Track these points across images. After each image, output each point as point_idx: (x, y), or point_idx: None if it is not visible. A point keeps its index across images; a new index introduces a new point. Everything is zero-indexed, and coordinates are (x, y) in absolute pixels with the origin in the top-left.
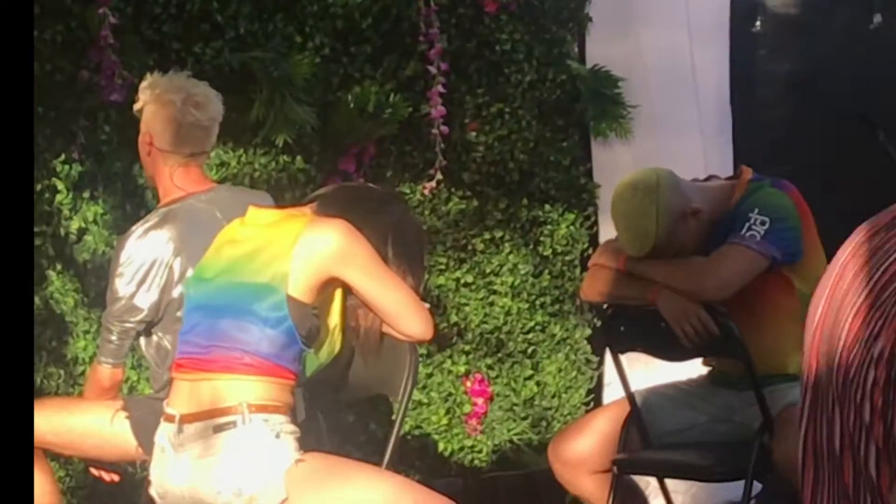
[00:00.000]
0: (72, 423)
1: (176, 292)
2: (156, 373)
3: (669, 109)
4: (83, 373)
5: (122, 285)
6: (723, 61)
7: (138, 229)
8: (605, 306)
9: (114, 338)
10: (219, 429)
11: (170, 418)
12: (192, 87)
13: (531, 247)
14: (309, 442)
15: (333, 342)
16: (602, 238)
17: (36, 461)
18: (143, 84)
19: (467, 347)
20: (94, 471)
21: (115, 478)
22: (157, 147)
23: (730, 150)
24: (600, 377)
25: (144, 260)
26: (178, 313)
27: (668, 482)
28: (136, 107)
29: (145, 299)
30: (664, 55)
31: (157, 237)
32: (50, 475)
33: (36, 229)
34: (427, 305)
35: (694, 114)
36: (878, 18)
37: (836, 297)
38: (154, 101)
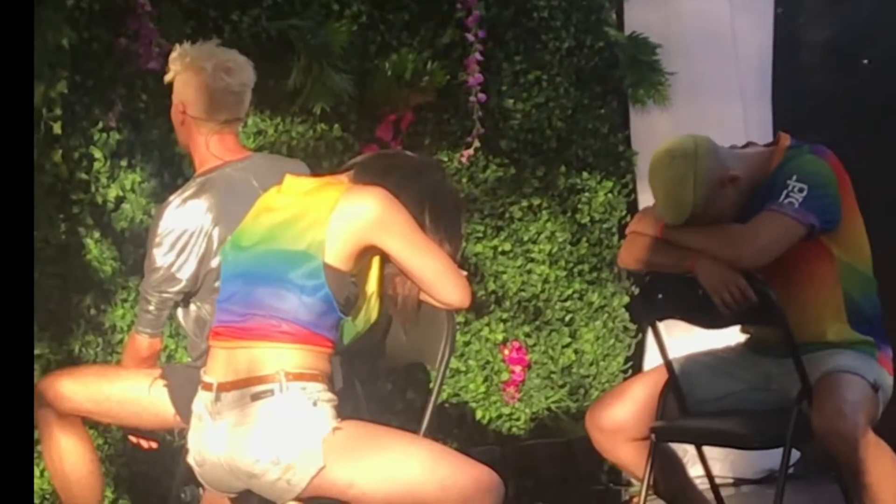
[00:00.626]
0: (110, 392)
1: (214, 262)
2: (194, 342)
3: (708, 76)
4: (121, 341)
5: (161, 255)
6: (765, 26)
7: (176, 199)
8: (643, 274)
9: (152, 308)
10: (256, 397)
11: (207, 386)
12: (222, 53)
13: (569, 214)
14: (346, 410)
15: (371, 310)
16: (640, 206)
17: (75, 429)
18: (174, 54)
19: (505, 315)
20: (132, 439)
21: (154, 445)
22: (191, 115)
23: (769, 117)
24: (638, 345)
25: (183, 229)
26: (216, 283)
27: (706, 450)
28: (168, 77)
29: (184, 270)
30: (703, 20)
31: (194, 206)
32: (89, 443)
33: (73, 197)
34: (464, 273)
35: (734, 80)
36: None
37: None
38: (185, 69)
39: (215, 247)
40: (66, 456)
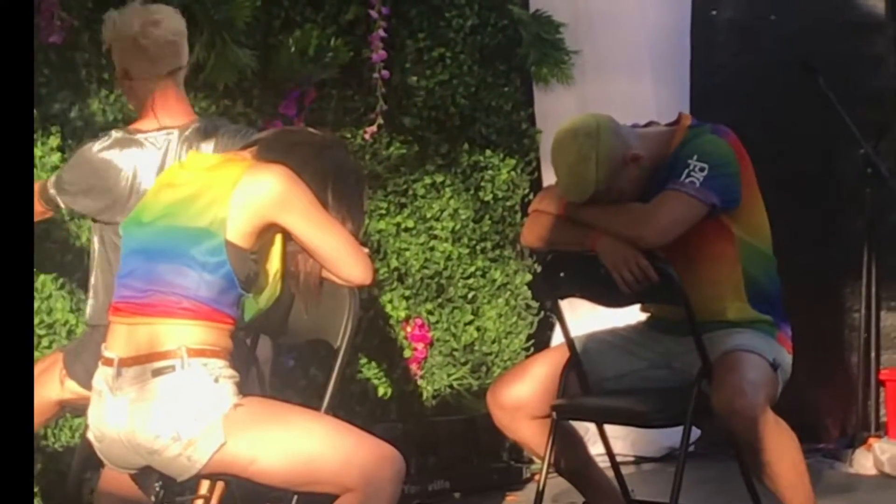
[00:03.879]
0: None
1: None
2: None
3: (615, 54)
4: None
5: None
6: (681, 4)
7: (93, 146)
8: (545, 252)
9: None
10: (157, 373)
11: (108, 362)
12: (145, 11)
13: (472, 192)
14: (248, 387)
15: (273, 287)
16: (543, 184)
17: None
18: (104, 25)
19: (407, 292)
20: None
21: None
22: (134, 78)
23: (686, 95)
24: (541, 323)
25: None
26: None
27: (607, 428)
28: (105, 48)
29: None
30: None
31: (107, 157)
32: None
33: None
34: (366, 250)
35: (644, 58)
36: None
37: None
38: (116, 36)
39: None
40: None
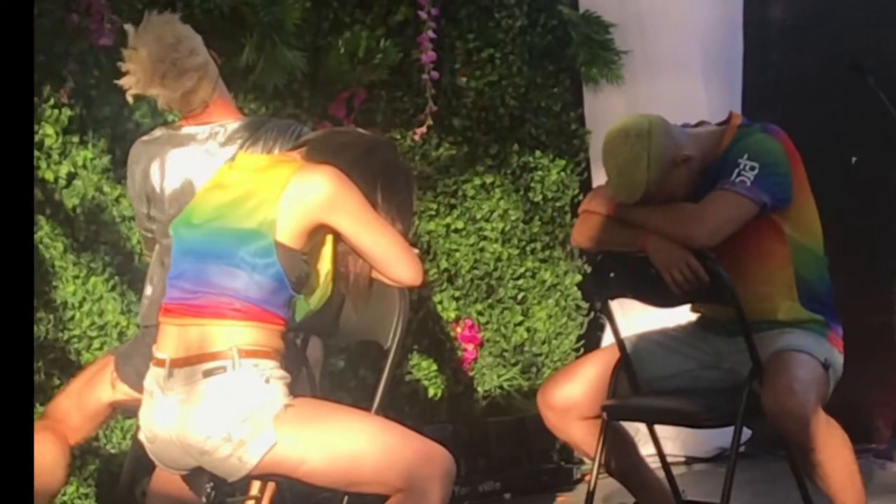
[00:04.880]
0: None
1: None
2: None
3: (666, 54)
4: (72, 318)
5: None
6: (733, 2)
7: (141, 140)
8: (595, 252)
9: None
10: (208, 373)
11: (160, 363)
12: (160, 63)
13: (521, 193)
14: (299, 388)
15: (324, 288)
16: (593, 184)
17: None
18: (122, 81)
19: (457, 293)
20: None
21: None
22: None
23: (738, 94)
24: (591, 323)
25: (132, 172)
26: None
27: (658, 428)
28: (131, 99)
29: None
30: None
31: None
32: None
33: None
34: (416, 251)
35: (694, 58)
36: None
37: None
38: (141, 90)
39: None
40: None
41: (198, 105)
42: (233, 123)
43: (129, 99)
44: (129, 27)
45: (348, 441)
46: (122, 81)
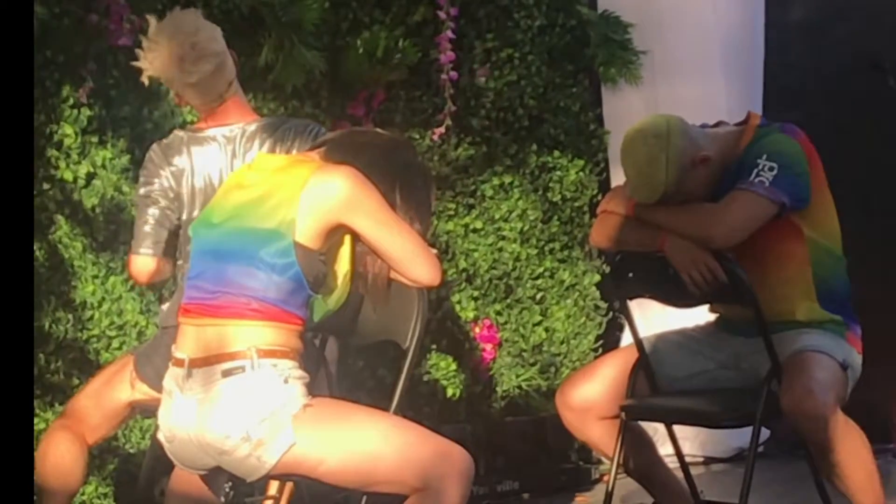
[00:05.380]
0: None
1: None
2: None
3: (685, 54)
4: (92, 317)
5: (143, 177)
6: (754, 3)
7: (157, 143)
8: (614, 252)
9: (149, 218)
10: (227, 373)
11: (179, 362)
12: (178, 47)
13: (540, 193)
14: (318, 388)
15: (343, 288)
16: (612, 184)
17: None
18: (138, 64)
19: (476, 293)
20: None
21: None
22: (188, 101)
23: (759, 94)
24: (609, 323)
25: (161, 169)
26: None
27: (676, 428)
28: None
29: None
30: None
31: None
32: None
33: (44, 173)
34: (434, 251)
35: (714, 58)
36: None
37: None
38: (157, 74)
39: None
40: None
41: (213, 97)
42: (251, 124)
43: (145, 80)
44: (151, 18)
45: (367, 441)
46: (139, 63)
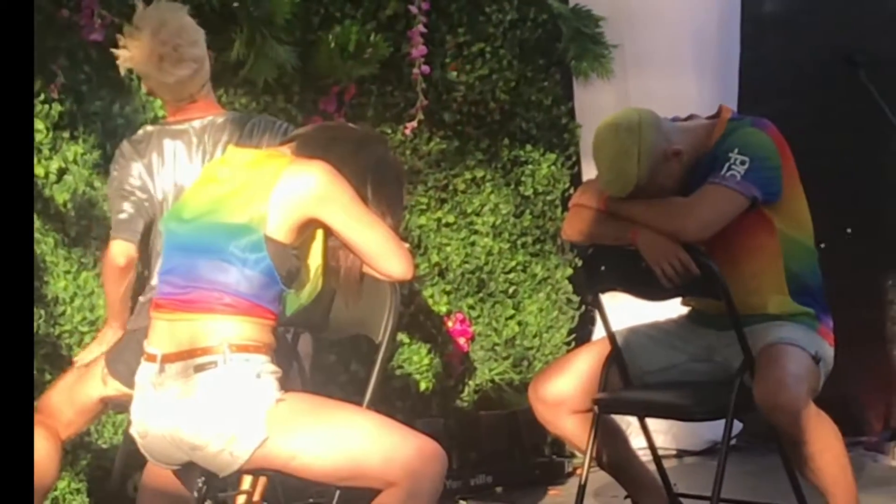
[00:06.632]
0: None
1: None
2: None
3: (656, 48)
4: (64, 313)
5: (116, 171)
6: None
7: (131, 138)
8: (586, 246)
9: (126, 206)
10: (200, 368)
11: (151, 358)
12: (160, 45)
13: (512, 187)
14: (290, 382)
15: (314, 283)
16: (583, 178)
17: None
18: (117, 52)
19: (448, 287)
20: None
21: None
22: (160, 97)
23: (733, 89)
24: (582, 317)
25: (131, 166)
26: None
27: (649, 421)
28: (123, 72)
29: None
30: None
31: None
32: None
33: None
34: (407, 245)
35: (685, 52)
36: None
37: None
38: (135, 66)
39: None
40: None
41: (184, 97)
42: (220, 118)
43: (122, 70)
44: (139, 3)
45: (346, 437)
46: (119, 53)
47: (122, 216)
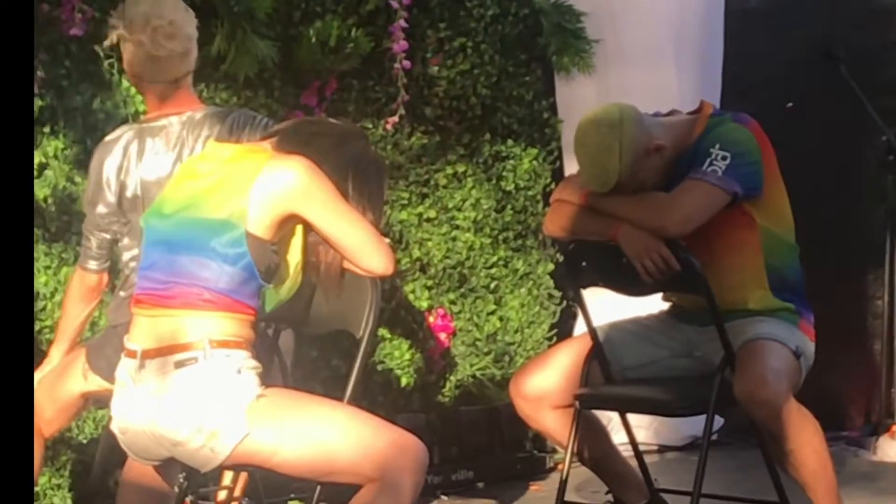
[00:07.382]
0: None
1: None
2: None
3: (638, 43)
4: (44, 308)
5: (90, 194)
6: None
7: (105, 140)
8: (567, 242)
9: (93, 245)
10: (180, 364)
11: (131, 353)
12: (157, 17)
13: (494, 182)
14: (272, 378)
15: (294, 278)
16: (565, 173)
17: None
18: (112, 20)
19: (430, 283)
20: None
21: None
22: (144, 80)
23: (716, 84)
24: (563, 312)
25: (104, 171)
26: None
27: (630, 417)
28: (107, 43)
29: (103, 208)
30: None
31: (116, 149)
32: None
33: None
34: (387, 241)
35: (667, 47)
36: None
37: None
38: (124, 39)
39: (130, 192)
40: None
41: (170, 80)
42: (199, 112)
43: (106, 43)
44: None
45: (321, 431)
46: (112, 19)
47: (90, 253)
